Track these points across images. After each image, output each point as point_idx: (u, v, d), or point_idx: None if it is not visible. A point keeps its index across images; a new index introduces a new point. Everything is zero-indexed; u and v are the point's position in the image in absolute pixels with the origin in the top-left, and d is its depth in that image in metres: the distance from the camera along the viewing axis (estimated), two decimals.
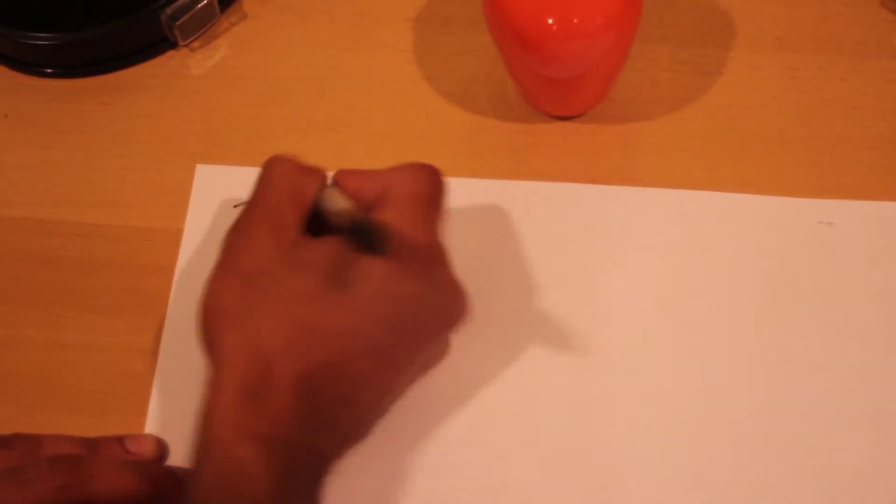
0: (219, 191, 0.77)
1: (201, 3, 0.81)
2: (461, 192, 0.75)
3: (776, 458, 0.67)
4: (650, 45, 0.79)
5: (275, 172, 0.66)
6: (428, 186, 0.67)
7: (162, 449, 0.70)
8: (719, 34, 0.80)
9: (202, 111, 0.81)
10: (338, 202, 0.66)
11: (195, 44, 0.83)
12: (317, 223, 0.66)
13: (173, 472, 0.69)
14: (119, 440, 0.70)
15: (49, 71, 0.83)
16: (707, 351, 0.70)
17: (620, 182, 0.76)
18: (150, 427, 0.71)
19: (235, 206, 0.76)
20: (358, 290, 0.62)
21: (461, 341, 0.70)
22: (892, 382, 0.69)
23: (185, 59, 0.83)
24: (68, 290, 0.76)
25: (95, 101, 0.82)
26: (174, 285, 0.75)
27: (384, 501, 0.68)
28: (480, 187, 0.76)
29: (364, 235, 0.63)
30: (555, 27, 0.70)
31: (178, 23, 0.81)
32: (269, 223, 0.64)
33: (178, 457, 0.70)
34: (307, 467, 0.61)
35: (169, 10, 0.81)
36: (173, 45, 0.83)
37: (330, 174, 0.68)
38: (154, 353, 0.73)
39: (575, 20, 0.70)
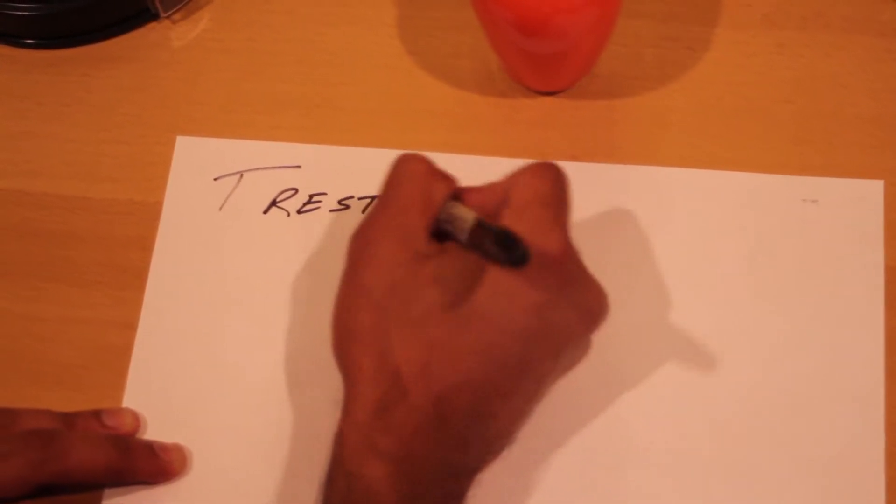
0: (199, 163, 0.77)
1: None
2: (443, 168, 0.75)
3: (758, 435, 0.67)
4: (635, 21, 0.79)
5: (406, 173, 0.64)
6: (552, 185, 0.64)
7: (139, 423, 0.70)
8: (705, 10, 0.80)
9: (183, 83, 0.80)
10: (463, 211, 0.63)
11: (176, 16, 0.82)
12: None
13: (150, 447, 0.69)
14: (96, 414, 0.70)
15: (29, 42, 0.82)
16: (688, 327, 0.70)
17: (603, 159, 0.75)
18: (128, 401, 0.71)
19: (216, 180, 0.76)
20: (491, 305, 0.60)
21: None
22: (873, 360, 0.69)
23: (167, 32, 0.82)
24: (47, 263, 0.76)
25: (76, 73, 0.81)
26: (154, 258, 0.75)
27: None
28: (463, 163, 0.75)
29: (496, 247, 0.60)
30: (538, 1, 0.69)
31: None
32: (397, 232, 0.62)
33: (156, 430, 0.70)
34: (439, 484, 0.60)
35: None
36: (154, 17, 0.82)
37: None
38: (133, 326, 0.73)
39: None
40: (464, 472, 0.61)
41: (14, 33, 0.83)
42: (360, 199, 0.75)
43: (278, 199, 0.76)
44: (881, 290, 0.70)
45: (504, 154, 0.76)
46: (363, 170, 0.76)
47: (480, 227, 0.61)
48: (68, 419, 0.69)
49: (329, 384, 0.70)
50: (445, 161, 0.75)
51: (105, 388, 0.72)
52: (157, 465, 0.68)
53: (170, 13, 0.82)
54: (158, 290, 0.74)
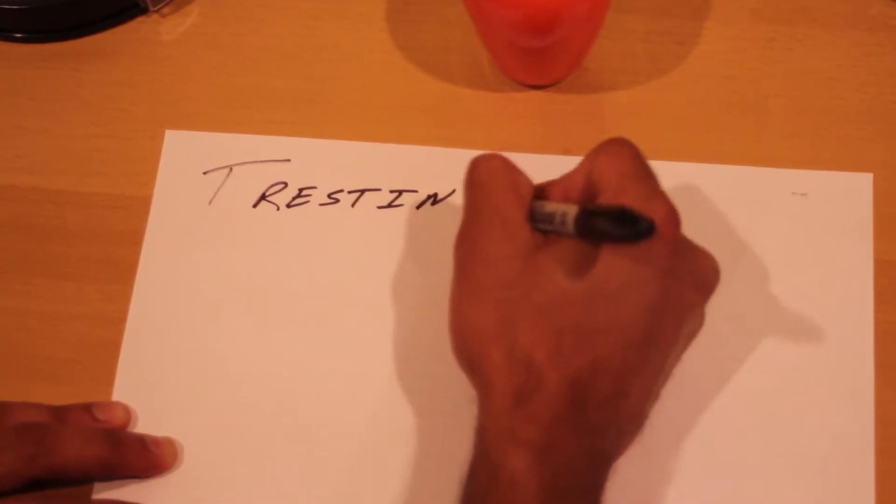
0: (188, 157, 0.77)
1: None
2: (433, 163, 0.75)
3: (747, 428, 0.68)
4: (625, 15, 0.79)
5: (486, 172, 0.64)
6: (634, 159, 0.63)
7: (130, 416, 0.70)
8: (695, 4, 0.80)
9: (172, 78, 0.80)
10: (555, 206, 0.62)
11: (166, 10, 0.82)
12: None
13: (141, 440, 0.69)
14: (87, 408, 0.70)
15: (19, 36, 0.82)
16: None
17: None
18: (118, 395, 0.71)
19: (205, 174, 0.76)
20: (611, 282, 0.59)
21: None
22: (863, 353, 0.69)
23: (156, 26, 0.82)
24: (37, 258, 0.76)
25: (65, 67, 0.81)
26: (143, 253, 0.75)
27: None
28: (454, 157, 0.75)
29: (614, 224, 0.58)
30: None
31: None
32: (499, 228, 0.62)
33: (146, 424, 0.70)
34: (583, 473, 0.60)
35: None
36: (144, 11, 0.82)
37: None
38: (123, 321, 0.73)
39: None
40: (602, 460, 0.61)
41: (3, 27, 0.82)
42: (349, 192, 0.75)
43: (268, 193, 0.76)
44: (870, 283, 0.71)
45: (494, 148, 0.75)
46: (353, 164, 0.76)
47: (589, 213, 0.60)
48: (59, 413, 0.69)
49: (322, 378, 0.71)
50: (436, 155, 0.76)
51: (96, 381, 0.72)
52: (149, 458, 0.68)
53: (159, 7, 0.82)
54: (148, 284, 0.74)
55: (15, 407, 0.68)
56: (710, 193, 0.73)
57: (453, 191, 0.75)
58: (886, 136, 0.75)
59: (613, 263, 0.59)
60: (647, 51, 0.79)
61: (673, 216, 0.61)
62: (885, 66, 0.77)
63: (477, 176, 0.64)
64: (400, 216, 0.75)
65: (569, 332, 0.59)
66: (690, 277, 0.62)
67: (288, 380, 0.71)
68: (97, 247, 0.75)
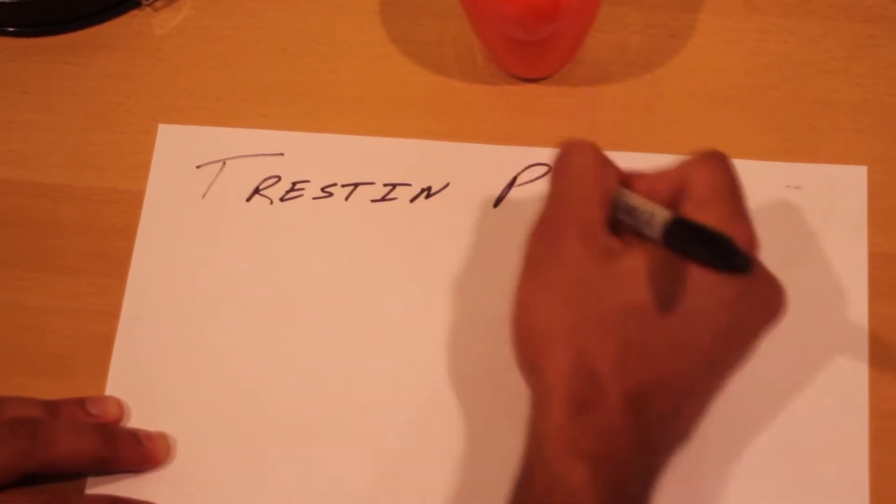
0: (181, 151, 0.77)
1: None
2: (427, 156, 0.75)
3: (741, 421, 0.68)
4: (619, 8, 0.79)
5: (577, 162, 0.62)
6: (729, 178, 0.61)
7: (123, 411, 0.70)
8: None
9: (165, 71, 0.80)
10: (644, 203, 0.60)
11: (158, 3, 0.82)
12: None
13: (134, 435, 0.69)
14: (80, 402, 0.69)
15: (11, 29, 0.82)
16: None
17: None
18: (111, 389, 0.71)
19: (198, 168, 0.76)
20: (687, 301, 0.58)
21: None
22: (857, 346, 0.69)
23: (149, 19, 0.82)
24: (30, 252, 0.76)
25: (58, 61, 0.81)
26: (136, 247, 0.75)
27: None
28: (447, 150, 0.76)
29: (706, 250, 0.57)
30: None
31: None
32: (578, 226, 0.60)
33: (139, 419, 0.70)
34: (637, 488, 0.59)
35: None
36: (136, 5, 0.82)
37: None
38: (116, 315, 0.73)
39: None
40: (652, 475, 0.60)
41: None
42: (343, 186, 0.75)
43: (261, 187, 0.75)
44: (865, 276, 0.70)
45: (488, 141, 0.76)
46: (346, 157, 0.76)
47: (683, 225, 0.58)
48: (53, 407, 0.69)
49: (315, 372, 0.71)
50: (430, 149, 0.75)
51: (89, 376, 0.72)
52: (142, 453, 0.68)
53: (151, 1, 0.82)
54: (141, 278, 0.74)
55: (8, 401, 0.68)
56: None
57: (447, 184, 0.75)
58: (881, 128, 0.75)
59: (695, 283, 0.58)
60: (641, 43, 0.79)
61: (755, 243, 0.60)
62: (880, 58, 0.77)
63: (564, 165, 0.62)
64: (394, 210, 0.74)
65: (636, 347, 0.58)
66: (761, 306, 0.60)
67: (281, 374, 0.71)
68: (90, 241, 0.75)
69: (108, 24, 0.82)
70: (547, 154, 0.74)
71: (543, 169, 0.74)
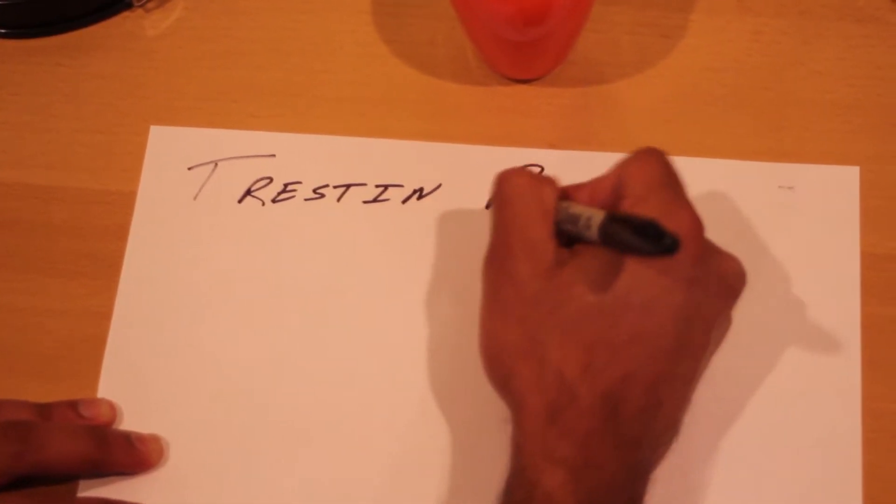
0: (173, 152, 0.77)
1: None
2: (419, 157, 0.75)
3: (734, 421, 0.68)
4: (611, 8, 0.79)
5: (512, 189, 0.64)
6: (663, 167, 0.63)
7: (115, 413, 0.70)
8: None
9: (157, 72, 0.80)
10: (582, 209, 0.62)
11: (150, 4, 0.82)
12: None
13: (127, 437, 0.69)
14: (72, 405, 0.69)
15: (2, 31, 0.82)
16: None
17: (580, 146, 0.75)
18: (103, 391, 0.71)
19: (190, 169, 0.76)
20: (638, 293, 0.59)
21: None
22: (850, 346, 0.69)
23: (140, 20, 0.82)
24: (22, 253, 0.76)
25: (50, 62, 0.81)
26: (128, 248, 0.74)
27: None
28: (439, 151, 0.75)
29: (638, 238, 0.59)
30: None
31: None
32: (522, 247, 0.62)
33: (132, 421, 0.70)
34: (621, 487, 0.59)
35: None
36: (128, 6, 0.82)
37: None
38: (108, 316, 0.73)
39: None
40: (639, 473, 0.60)
41: None
42: (335, 187, 0.75)
43: (253, 189, 0.75)
44: (857, 276, 0.71)
45: (480, 142, 0.76)
46: (338, 158, 0.76)
47: (615, 222, 0.60)
48: (44, 410, 0.69)
49: (307, 373, 0.71)
50: (421, 149, 0.75)
51: (81, 378, 0.71)
52: (134, 455, 0.68)
53: (143, 2, 0.82)
54: (133, 279, 0.74)
55: None
56: (696, 187, 0.72)
57: (439, 185, 0.75)
58: (873, 129, 0.75)
59: (638, 275, 0.59)
60: (632, 43, 0.79)
61: (697, 225, 0.61)
62: (872, 58, 0.77)
63: (501, 194, 0.64)
64: (385, 211, 0.74)
65: (598, 346, 0.59)
66: (716, 284, 0.61)
67: (274, 375, 0.71)
68: (82, 242, 0.75)
69: (100, 25, 0.82)
70: (539, 155, 0.75)
71: (536, 170, 0.74)
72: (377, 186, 0.75)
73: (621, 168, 0.64)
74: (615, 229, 0.60)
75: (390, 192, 0.75)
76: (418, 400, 0.70)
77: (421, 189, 0.75)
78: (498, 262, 0.63)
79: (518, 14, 0.71)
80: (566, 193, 0.64)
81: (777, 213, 0.73)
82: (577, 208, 0.62)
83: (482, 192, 0.74)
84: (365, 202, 0.75)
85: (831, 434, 0.67)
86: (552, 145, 0.75)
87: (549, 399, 0.59)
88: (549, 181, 0.64)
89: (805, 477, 0.66)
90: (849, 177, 0.73)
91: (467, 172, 0.75)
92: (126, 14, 0.82)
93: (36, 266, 0.75)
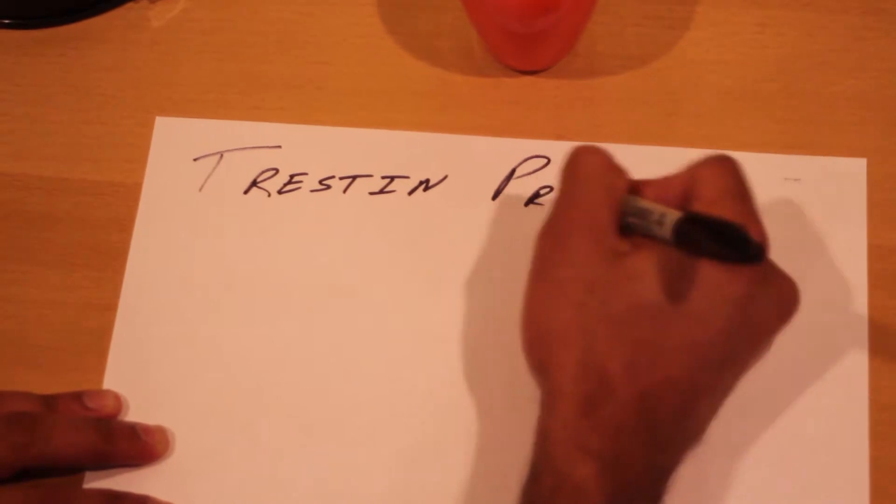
0: (179, 144, 0.77)
1: None
2: (424, 149, 0.75)
3: (741, 414, 0.67)
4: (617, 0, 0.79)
5: (586, 167, 0.62)
6: (737, 178, 0.61)
7: (120, 405, 0.70)
8: None
9: (162, 64, 0.80)
10: (653, 205, 0.61)
11: None
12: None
13: (132, 429, 0.68)
14: (77, 397, 0.69)
15: (6, 22, 0.82)
16: None
17: (585, 138, 0.75)
18: (109, 383, 0.71)
19: (195, 160, 0.76)
20: (697, 299, 0.58)
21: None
22: (857, 338, 0.69)
23: (145, 11, 0.82)
24: (26, 245, 0.75)
25: (53, 53, 0.81)
26: (133, 240, 0.74)
27: None
28: (444, 143, 0.75)
29: (717, 242, 0.57)
30: None
31: None
32: (588, 228, 0.60)
33: (137, 412, 0.70)
34: (646, 487, 0.59)
35: None
36: None
37: None
38: (113, 308, 0.73)
39: None
40: (663, 474, 0.60)
41: None
42: (341, 178, 0.75)
43: (259, 180, 0.75)
44: (864, 268, 0.70)
45: (486, 133, 0.76)
46: (344, 150, 0.76)
47: (694, 222, 0.59)
48: (50, 402, 0.69)
49: (312, 364, 0.70)
50: (427, 141, 0.75)
51: (86, 370, 0.71)
52: (140, 447, 0.68)
53: None
54: (138, 271, 0.74)
55: (5, 396, 0.68)
56: None
57: (445, 176, 0.74)
58: (880, 120, 0.75)
59: (704, 280, 0.58)
60: (638, 35, 0.78)
61: (765, 242, 0.60)
62: (877, 50, 0.77)
63: (573, 168, 0.63)
64: (391, 202, 0.74)
65: (646, 346, 0.58)
66: (773, 305, 0.60)
67: (279, 367, 0.71)
68: (86, 234, 0.75)
69: (104, 16, 0.82)
70: (545, 146, 0.75)
71: (542, 161, 0.74)
72: (383, 178, 0.75)
73: (694, 170, 0.62)
74: (693, 229, 0.58)
75: (396, 184, 0.75)
76: (425, 391, 0.69)
77: (427, 180, 0.75)
78: (557, 236, 0.61)
79: (524, 5, 0.70)
80: (633, 186, 0.63)
81: (783, 205, 0.72)
82: (645, 203, 0.61)
83: (488, 184, 0.74)
84: (371, 193, 0.74)
85: (838, 426, 0.67)
86: (558, 136, 0.75)
87: (587, 390, 0.58)
88: (621, 171, 0.63)
89: (812, 468, 0.66)
90: (856, 169, 0.73)
91: (473, 164, 0.75)
92: (130, 5, 0.82)
93: (39, 257, 0.75)
